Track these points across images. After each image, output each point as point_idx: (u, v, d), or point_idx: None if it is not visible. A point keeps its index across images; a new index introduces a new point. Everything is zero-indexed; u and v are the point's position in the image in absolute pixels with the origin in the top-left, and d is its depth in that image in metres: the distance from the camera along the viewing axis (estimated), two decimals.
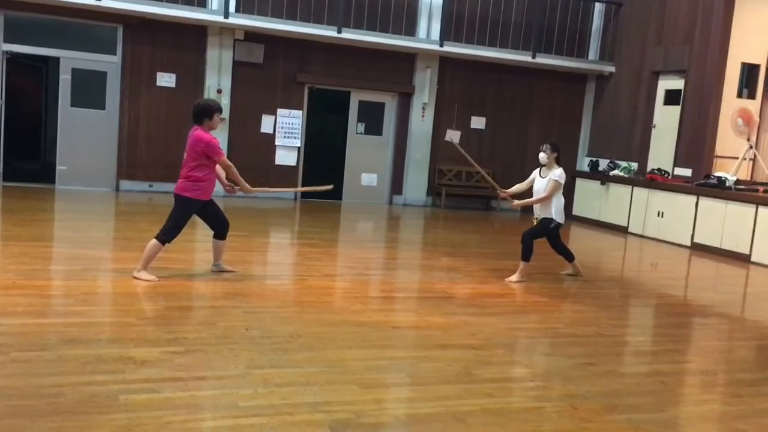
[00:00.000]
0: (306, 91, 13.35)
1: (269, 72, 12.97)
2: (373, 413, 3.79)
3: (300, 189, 7.44)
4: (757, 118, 11.64)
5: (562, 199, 7.68)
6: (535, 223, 7.71)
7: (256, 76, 12.90)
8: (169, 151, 12.67)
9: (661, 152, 13.04)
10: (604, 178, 13.29)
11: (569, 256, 8.00)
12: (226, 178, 6.64)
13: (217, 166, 6.46)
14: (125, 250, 7.67)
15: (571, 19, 14.45)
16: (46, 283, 6.16)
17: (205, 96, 12.57)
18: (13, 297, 5.43)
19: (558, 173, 7.51)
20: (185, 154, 6.38)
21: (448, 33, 13.42)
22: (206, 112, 6.35)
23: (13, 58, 12.36)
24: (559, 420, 3.91)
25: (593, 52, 14.83)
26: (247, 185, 6.71)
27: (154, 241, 6.28)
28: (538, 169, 7.77)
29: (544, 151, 7.59)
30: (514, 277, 7.46)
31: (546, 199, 7.52)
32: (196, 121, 6.39)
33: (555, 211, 7.55)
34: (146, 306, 5.55)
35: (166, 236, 6.32)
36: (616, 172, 13.31)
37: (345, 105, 13.74)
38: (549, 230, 7.64)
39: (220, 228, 6.66)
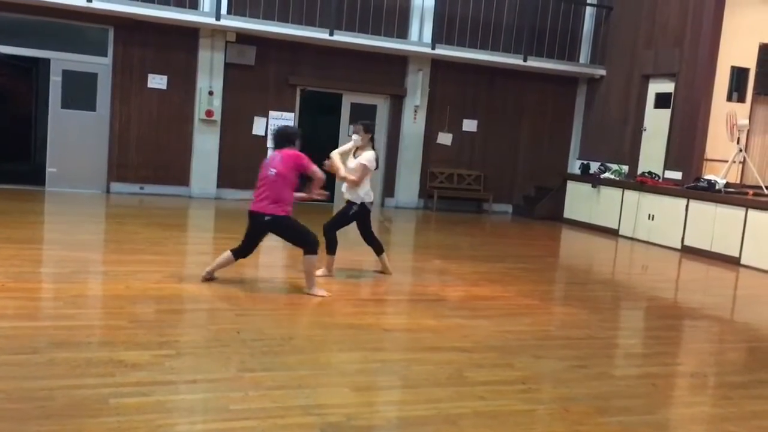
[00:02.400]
0: (298, 93, 13.34)
1: (261, 74, 12.95)
2: (364, 416, 3.78)
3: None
4: (743, 122, 11.70)
5: (368, 182, 7.15)
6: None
7: (248, 78, 12.88)
8: (160, 153, 12.65)
9: (652, 155, 13.10)
10: (595, 180, 13.33)
11: (378, 249, 7.41)
12: None
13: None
14: (115, 252, 7.64)
15: (562, 23, 14.50)
16: (36, 286, 6.12)
17: (197, 97, 12.57)
18: (3, 300, 5.39)
19: (367, 156, 7.02)
20: (276, 176, 6.20)
21: (440, 36, 13.44)
22: (291, 139, 6.34)
23: (2, 60, 12.30)
24: (550, 422, 3.92)
25: (584, 55, 14.89)
26: None
27: (307, 257, 6.24)
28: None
29: (357, 132, 7.20)
30: (319, 271, 6.98)
31: (355, 182, 6.98)
32: (278, 146, 6.34)
33: (363, 193, 7.05)
34: (137, 309, 5.52)
35: (313, 247, 6.25)
36: (606, 174, 13.36)
37: (337, 107, 13.72)
38: (350, 216, 7.15)
39: (247, 251, 6.46)
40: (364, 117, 13.78)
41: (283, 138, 6.35)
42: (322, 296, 6.25)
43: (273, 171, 6.20)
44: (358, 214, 7.17)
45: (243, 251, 6.42)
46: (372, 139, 7.23)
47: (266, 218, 6.21)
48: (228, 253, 6.44)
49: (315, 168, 6.33)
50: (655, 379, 4.83)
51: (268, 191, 6.23)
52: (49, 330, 4.80)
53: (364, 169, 7.00)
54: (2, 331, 4.68)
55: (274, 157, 6.33)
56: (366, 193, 7.13)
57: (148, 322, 5.20)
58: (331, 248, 7.15)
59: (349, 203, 7.15)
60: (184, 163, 12.80)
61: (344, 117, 13.81)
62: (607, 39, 14.37)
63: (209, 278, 6.49)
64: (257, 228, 6.32)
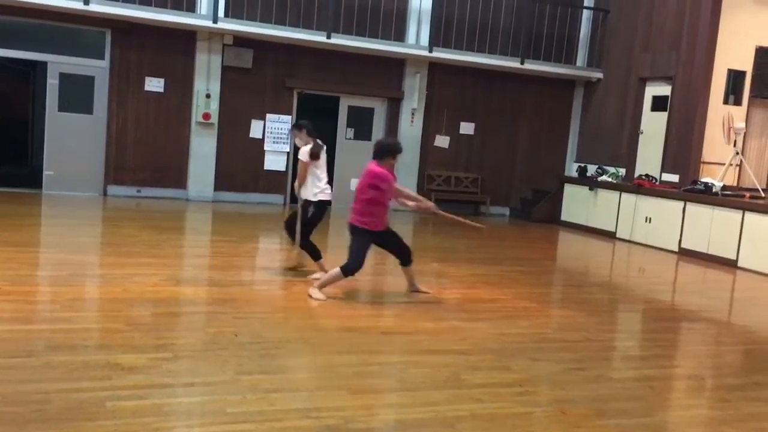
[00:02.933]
0: (295, 96, 13.34)
1: (258, 77, 12.95)
2: (362, 419, 3.78)
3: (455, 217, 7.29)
4: (740, 125, 11.72)
5: (323, 177, 7.06)
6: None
7: (245, 81, 12.88)
8: (157, 156, 12.64)
9: (649, 158, 13.12)
10: (593, 183, 13.35)
11: (298, 244, 7.19)
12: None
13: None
14: (113, 255, 7.63)
15: (559, 26, 14.52)
16: (32, 289, 6.11)
17: (194, 100, 12.56)
18: (0, 303, 5.38)
19: (302, 151, 6.99)
20: (357, 188, 6.40)
21: (437, 38, 13.45)
22: (387, 151, 6.37)
23: None
24: (548, 425, 3.92)
25: (581, 58, 14.91)
26: (428, 203, 6.79)
27: (337, 269, 6.30)
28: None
29: (293, 134, 7.21)
30: (317, 274, 7.01)
31: (301, 179, 7.05)
32: (375, 156, 6.37)
33: (317, 191, 7.01)
34: (134, 312, 5.52)
35: (348, 268, 6.30)
36: (604, 177, 13.38)
37: (334, 110, 13.73)
38: (312, 218, 7.09)
39: (397, 251, 6.69)
40: (361, 120, 13.94)
41: (379, 149, 6.38)
42: (318, 299, 6.25)
43: (356, 182, 6.42)
44: (316, 217, 7.10)
45: (398, 255, 6.67)
46: (309, 134, 7.12)
47: (349, 224, 6.41)
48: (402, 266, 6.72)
49: (389, 188, 6.26)
50: (653, 382, 4.83)
51: (354, 201, 6.39)
52: (46, 333, 4.79)
53: (300, 164, 7.00)
54: None
55: (366, 167, 6.40)
56: (321, 191, 7.05)
57: (145, 325, 5.19)
58: (314, 255, 7.15)
59: (306, 204, 7.08)
60: (181, 166, 12.79)
61: (342, 120, 13.81)
62: (604, 42, 14.40)
63: (416, 290, 6.78)
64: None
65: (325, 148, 7.16)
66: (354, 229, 6.37)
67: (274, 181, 13.34)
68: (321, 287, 6.33)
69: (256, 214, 12.16)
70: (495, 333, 5.69)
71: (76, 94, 12.17)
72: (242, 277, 7.13)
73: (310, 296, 6.29)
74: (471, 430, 3.74)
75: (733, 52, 12.10)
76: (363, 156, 13.97)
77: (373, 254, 9.86)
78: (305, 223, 7.11)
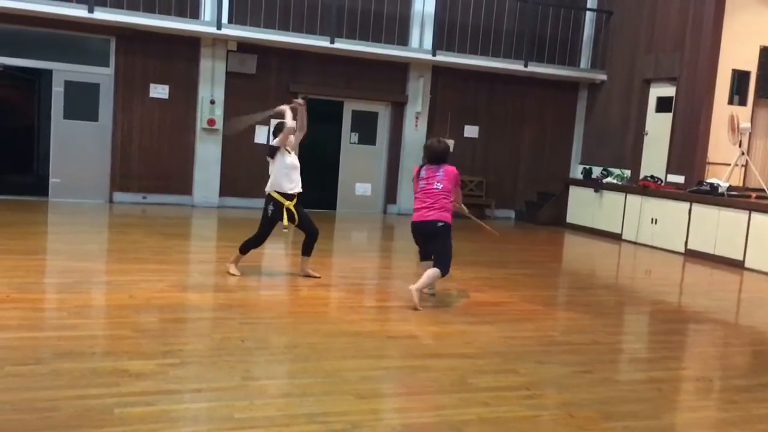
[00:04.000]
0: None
1: (262, 82, 12.98)
2: (369, 424, 3.78)
3: (477, 220, 7.60)
4: (745, 125, 11.69)
5: (279, 172, 7.23)
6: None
7: (249, 86, 12.91)
8: (162, 163, 12.67)
9: (654, 159, 13.10)
10: (598, 185, 13.33)
11: (244, 248, 7.32)
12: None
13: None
14: (119, 262, 7.65)
15: (562, 28, 14.52)
16: (39, 297, 6.13)
17: (199, 107, 12.60)
18: (7, 311, 5.41)
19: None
20: (443, 191, 6.51)
21: (440, 42, 13.47)
22: (447, 157, 6.65)
23: (5, 71, 12.32)
24: (555, 428, 3.91)
25: (585, 60, 14.91)
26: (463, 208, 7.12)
27: (435, 271, 6.39)
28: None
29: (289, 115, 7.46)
30: (314, 274, 7.42)
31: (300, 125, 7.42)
32: (435, 163, 6.60)
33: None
34: (141, 318, 5.53)
35: (443, 269, 6.46)
36: (609, 179, 13.36)
37: (338, 115, 13.75)
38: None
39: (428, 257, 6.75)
40: (365, 124, 13.97)
41: (441, 156, 6.60)
42: (414, 305, 6.25)
43: (440, 185, 6.51)
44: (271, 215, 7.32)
45: (426, 257, 6.71)
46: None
47: (439, 224, 6.47)
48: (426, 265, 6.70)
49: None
50: (660, 384, 4.82)
51: (438, 203, 6.50)
52: (53, 340, 4.80)
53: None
54: (6, 341, 4.69)
55: (433, 171, 6.56)
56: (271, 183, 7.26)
57: (152, 332, 5.21)
58: (307, 250, 7.45)
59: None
60: (186, 172, 12.83)
61: (345, 125, 13.83)
62: (608, 44, 14.39)
63: (430, 293, 6.80)
64: (429, 234, 6.54)
65: None
66: (443, 228, 6.45)
67: None
68: (419, 286, 6.35)
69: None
70: (501, 336, 5.68)
71: (82, 102, 12.22)
72: (248, 282, 7.13)
73: (415, 308, 6.26)
74: None
75: (737, 53, 12.09)
76: (367, 160, 14.11)
77: (379, 259, 9.90)
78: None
